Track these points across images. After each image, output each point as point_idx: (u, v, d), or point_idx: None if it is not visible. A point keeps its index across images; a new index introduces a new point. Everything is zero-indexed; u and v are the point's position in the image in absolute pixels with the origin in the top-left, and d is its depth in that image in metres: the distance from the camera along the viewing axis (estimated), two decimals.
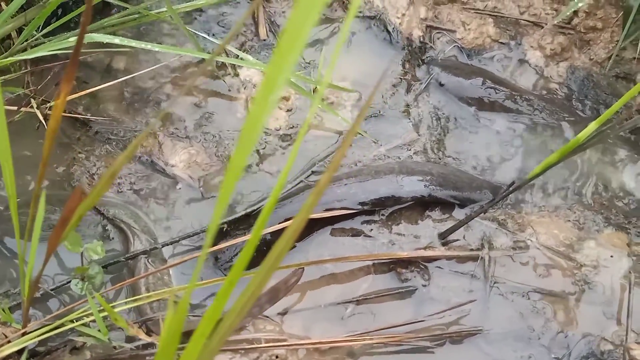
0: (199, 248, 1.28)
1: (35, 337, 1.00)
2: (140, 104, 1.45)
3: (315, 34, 1.58)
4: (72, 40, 1.27)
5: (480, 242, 1.32)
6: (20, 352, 1.02)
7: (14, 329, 1.05)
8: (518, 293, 1.28)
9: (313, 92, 1.43)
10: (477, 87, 1.52)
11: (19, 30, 1.35)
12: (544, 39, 1.58)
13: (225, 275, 1.26)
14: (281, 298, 1.03)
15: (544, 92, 1.56)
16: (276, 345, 1.16)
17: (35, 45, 1.34)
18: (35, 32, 1.35)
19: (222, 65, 1.50)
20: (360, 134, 1.44)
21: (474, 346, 1.22)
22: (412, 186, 1.35)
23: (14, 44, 1.35)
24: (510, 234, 1.34)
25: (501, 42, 1.60)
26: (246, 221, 1.30)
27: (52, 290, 1.17)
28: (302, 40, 0.44)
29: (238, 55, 1.43)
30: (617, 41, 1.54)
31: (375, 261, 1.29)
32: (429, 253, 1.29)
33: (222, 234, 1.28)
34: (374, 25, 1.60)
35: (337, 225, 1.33)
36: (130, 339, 1.13)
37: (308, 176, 1.38)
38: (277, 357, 1.16)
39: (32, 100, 1.35)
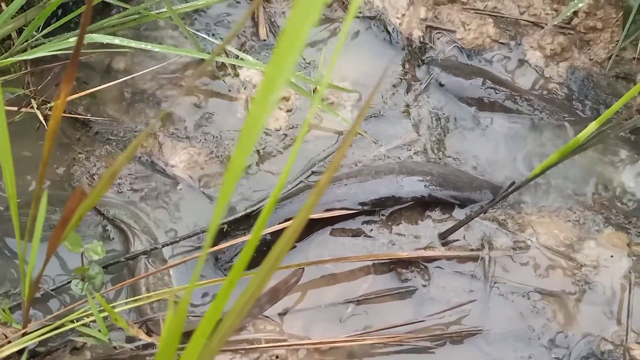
0: (199, 248, 1.28)
1: (35, 338, 1.00)
2: (140, 105, 1.45)
3: (315, 34, 1.58)
4: (72, 40, 1.27)
5: (480, 242, 1.32)
6: (20, 352, 1.02)
7: (14, 329, 1.05)
8: (518, 293, 1.28)
9: (313, 92, 1.43)
10: (477, 88, 1.52)
11: (19, 31, 1.35)
12: (544, 39, 1.58)
13: (226, 275, 1.26)
14: (281, 298, 1.04)
15: (544, 92, 1.56)
16: (276, 345, 1.16)
17: (36, 46, 1.35)
18: (35, 33, 1.35)
19: (222, 66, 1.50)
20: (360, 134, 1.44)
21: (474, 346, 1.22)
22: (412, 186, 1.35)
23: (14, 44, 1.35)
24: (510, 234, 1.34)
25: (501, 42, 1.60)
26: (246, 221, 1.30)
27: (52, 290, 1.17)
28: (301, 40, 0.44)
29: (238, 56, 1.43)
30: (617, 41, 1.54)
31: (376, 261, 1.29)
32: (429, 253, 1.30)
33: (222, 234, 1.28)
34: (374, 25, 1.60)
35: (337, 226, 1.33)
36: (130, 339, 1.13)
37: (308, 176, 1.38)
38: (277, 357, 1.16)
39: (33, 100, 1.35)
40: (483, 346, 1.22)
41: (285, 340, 1.18)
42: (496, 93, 1.51)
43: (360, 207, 1.32)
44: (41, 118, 1.34)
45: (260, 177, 1.39)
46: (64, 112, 1.15)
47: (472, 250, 1.32)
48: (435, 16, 1.61)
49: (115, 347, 1.09)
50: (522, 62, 1.59)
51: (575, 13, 1.57)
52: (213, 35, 1.53)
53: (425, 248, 1.31)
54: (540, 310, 1.26)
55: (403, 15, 1.59)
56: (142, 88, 1.47)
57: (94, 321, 1.04)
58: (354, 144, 1.43)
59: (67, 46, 1.25)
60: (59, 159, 1.35)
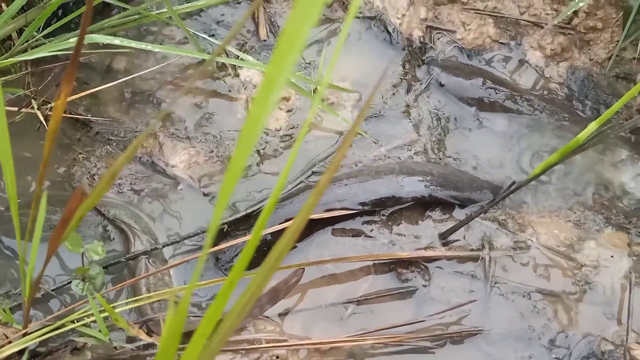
0: (199, 248, 1.28)
1: (36, 338, 1.01)
2: (140, 105, 1.45)
3: (315, 34, 1.58)
4: (73, 41, 1.27)
5: (480, 242, 1.32)
6: (21, 352, 1.02)
7: (15, 330, 1.05)
8: (518, 293, 1.28)
9: (313, 92, 1.43)
10: (477, 88, 1.52)
11: (20, 31, 1.35)
12: (544, 39, 1.58)
13: (226, 275, 1.26)
14: (282, 298, 1.04)
15: (544, 92, 1.56)
16: (277, 345, 1.16)
17: (36, 46, 1.35)
18: (35, 33, 1.35)
19: (223, 66, 1.50)
20: (360, 134, 1.44)
21: (474, 346, 1.22)
22: (413, 186, 1.35)
23: (14, 44, 1.35)
24: (510, 234, 1.34)
25: (501, 43, 1.60)
26: (246, 221, 1.30)
27: (52, 290, 1.17)
28: (301, 40, 0.44)
29: (238, 56, 1.43)
30: (617, 41, 1.54)
31: (376, 261, 1.29)
32: (429, 253, 1.30)
33: (222, 235, 1.28)
34: (374, 25, 1.60)
35: (337, 226, 1.33)
36: (131, 340, 1.13)
37: (308, 176, 1.38)
38: (277, 357, 1.16)
39: (33, 101, 1.36)
40: (483, 346, 1.22)
41: (285, 341, 1.18)
42: (496, 93, 1.51)
43: (360, 207, 1.32)
44: (41, 118, 1.34)
45: (260, 177, 1.39)
46: (65, 112, 1.15)
47: (472, 250, 1.32)
48: (435, 16, 1.61)
49: (115, 348, 1.09)
50: (522, 62, 1.59)
51: (575, 13, 1.57)
52: (213, 35, 1.53)
53: (425, 248, 1.31)
54: (541, 310, 1.26)
55: (403, 15, 1.59)
56: (143, 88, 1.47)
57: (94, 321, 1.04)
58: (354, 144, 1.43)
59: (68, 46, 1.26)
60: (59, 160, 1.35)
